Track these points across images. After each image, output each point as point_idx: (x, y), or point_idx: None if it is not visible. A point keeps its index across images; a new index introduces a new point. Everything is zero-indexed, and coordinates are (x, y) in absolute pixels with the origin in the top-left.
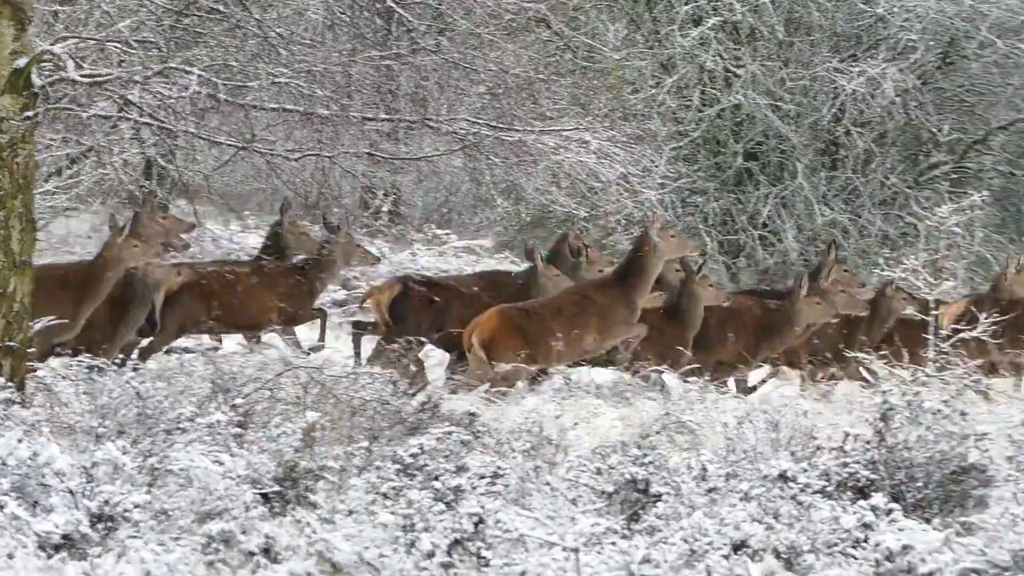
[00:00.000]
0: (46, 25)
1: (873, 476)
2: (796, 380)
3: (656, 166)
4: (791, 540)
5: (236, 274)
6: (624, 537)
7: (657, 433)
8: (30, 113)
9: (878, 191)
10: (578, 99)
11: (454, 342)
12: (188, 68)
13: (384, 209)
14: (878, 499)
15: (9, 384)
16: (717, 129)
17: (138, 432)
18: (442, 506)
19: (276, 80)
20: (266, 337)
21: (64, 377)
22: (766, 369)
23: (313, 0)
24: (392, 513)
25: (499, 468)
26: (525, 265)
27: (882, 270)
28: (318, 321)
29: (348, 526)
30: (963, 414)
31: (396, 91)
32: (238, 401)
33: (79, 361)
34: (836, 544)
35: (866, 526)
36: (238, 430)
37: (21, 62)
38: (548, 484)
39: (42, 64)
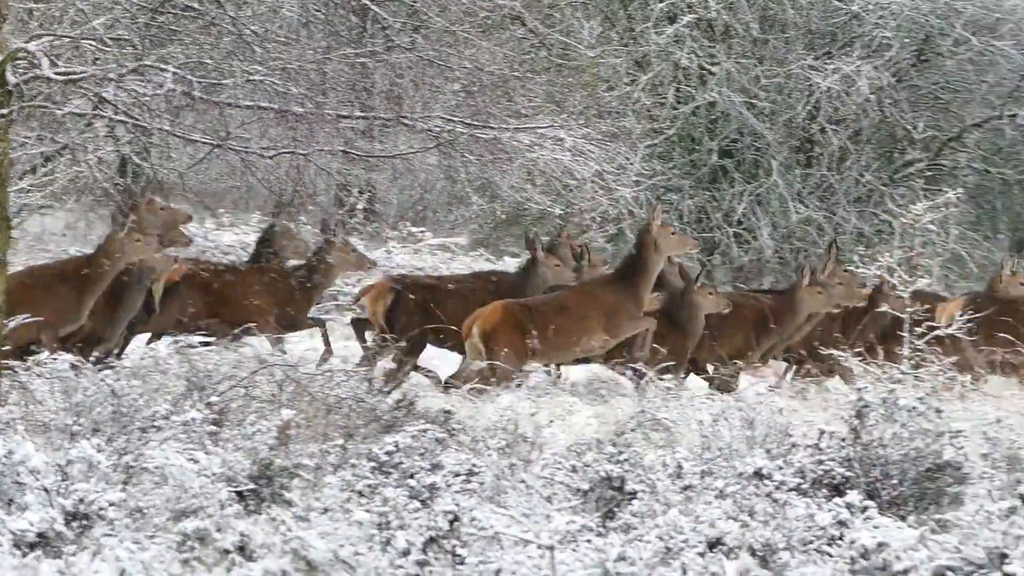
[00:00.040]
0: (21, 23)
1: (848, 473)
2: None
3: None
4: (766, 538)
5: (236, 273)
6: (599, 535)
7: (632, 431)
8: (4, 111)
9: (853, 188)
10: (553, 96)
11: (452, 339)
12: (163, 66)
13: (359, 207)
14: (853, 496)
15: None
16: (692, 127)
17: (113, 430)
18: (417, 504)
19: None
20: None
21: (39, 375)
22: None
23: None
24: (367, 511)
25: (474, 466)
26: (522, 260)
27: (857, 267)
28: (318, 332)
29: (323, 524)
30: (938, 411)
31: (371, 89)
32: (213, 399)
33: (54, 359)
34: (811, 542)
35: (841, 523)
36: (213, 428)
37: None
38: (523, 482)
39: (17, 62)
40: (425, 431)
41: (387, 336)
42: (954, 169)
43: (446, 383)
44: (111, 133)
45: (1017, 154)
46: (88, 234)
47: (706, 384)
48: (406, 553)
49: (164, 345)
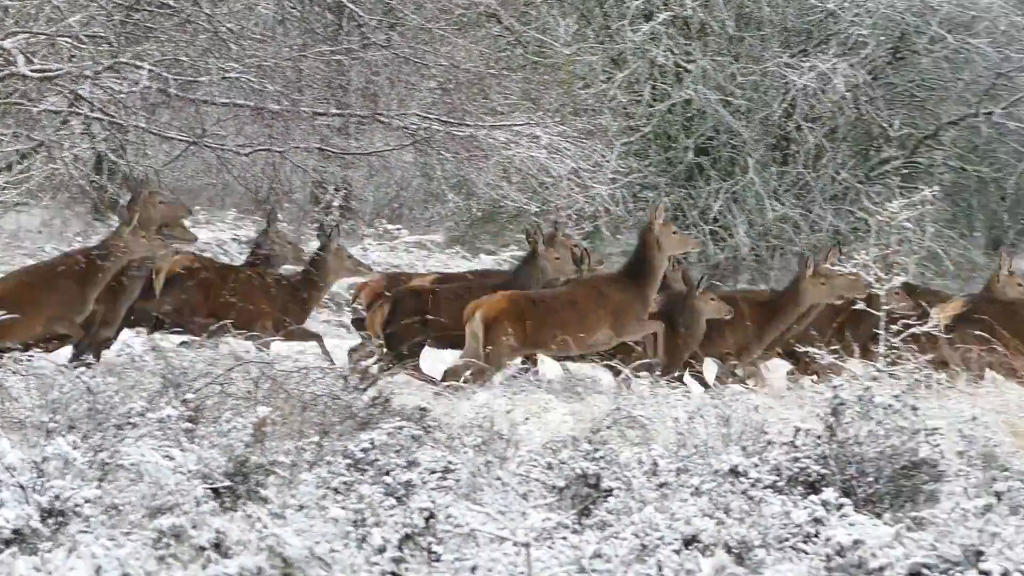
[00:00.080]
0: None
1: (824, 471)
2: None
3: (607, 161)
4: (742, 535)
5: (237, 274)
6: (575, 532)
7: (608, 428)
8: None
9: (829, 186)
10: (529, 94)
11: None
12: (138, 63)
13: (335, 204)
14: (829, 494)
15: None
16: (668, 124)
17: (89, 427)
18: (393, 501)
19: (227, 75)
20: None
21: (15, 372)
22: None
23: None
24: (343, 508)
25: (450, 463)
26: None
27: (833, 265)
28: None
29: (299, 521)
30: (914, 409)
31: (347, 86)
32: (189, 396)
33: (29, 357)
34: (787, 539)
35: (817, 521)
36: (189, 425)
37: None
38: (499, 479)
39: None
40: (401, 428)
41: (383, 347)
42: (930, 167)
43: (443, 377)
44: (87, 130)
45: (993, 152)
46: (64, 231)
47: (699, 383)
48: (382, 550)
49: (139, 343)
